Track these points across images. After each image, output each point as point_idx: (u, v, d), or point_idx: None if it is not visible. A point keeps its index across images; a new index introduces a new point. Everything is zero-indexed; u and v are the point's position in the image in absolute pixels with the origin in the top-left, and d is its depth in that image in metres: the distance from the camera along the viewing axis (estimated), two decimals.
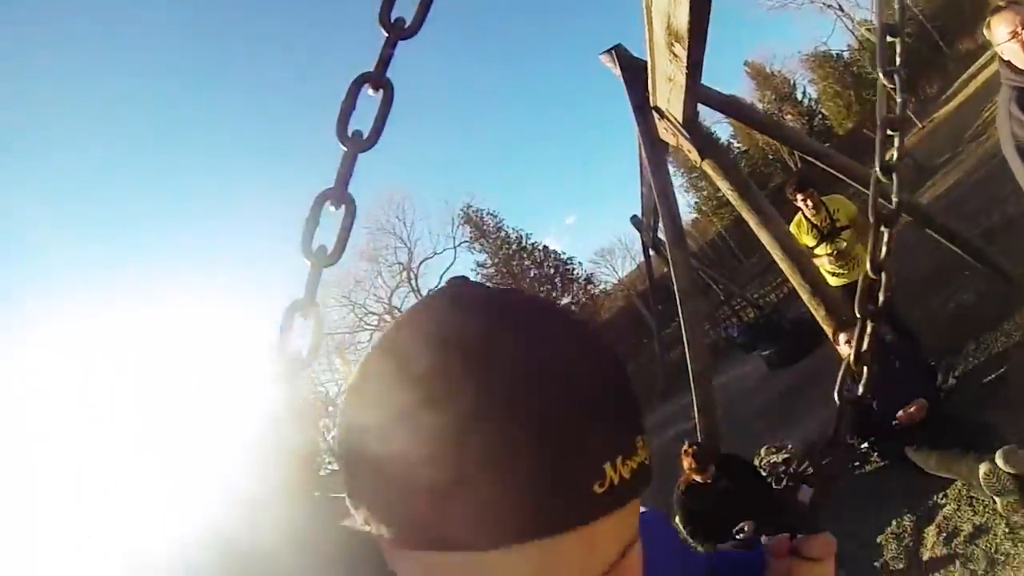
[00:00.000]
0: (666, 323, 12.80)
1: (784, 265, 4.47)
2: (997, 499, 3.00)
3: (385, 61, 0.92)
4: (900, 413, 3.60)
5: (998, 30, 2.50)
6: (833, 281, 4.71)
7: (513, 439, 0.36)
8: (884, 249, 1.30)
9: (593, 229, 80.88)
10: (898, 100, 1.41)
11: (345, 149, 0.89)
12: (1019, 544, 2.81)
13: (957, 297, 5.04)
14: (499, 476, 0.36)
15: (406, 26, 0.94)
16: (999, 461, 2.93)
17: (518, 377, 0.37)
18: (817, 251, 4.69)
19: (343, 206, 0.88)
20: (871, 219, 1.32)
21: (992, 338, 4.30)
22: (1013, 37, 2.45)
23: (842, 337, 3.94)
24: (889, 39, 1.45)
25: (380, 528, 0.40)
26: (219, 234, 60.52)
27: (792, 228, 4.75)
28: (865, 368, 3.43)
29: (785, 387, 6.32)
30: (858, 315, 1.32)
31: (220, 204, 58.43)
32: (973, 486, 3.10)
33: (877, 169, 1.37)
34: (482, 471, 0.36)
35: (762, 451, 5.18)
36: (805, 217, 4.72)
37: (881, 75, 1.44)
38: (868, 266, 1.33)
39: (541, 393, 0.37)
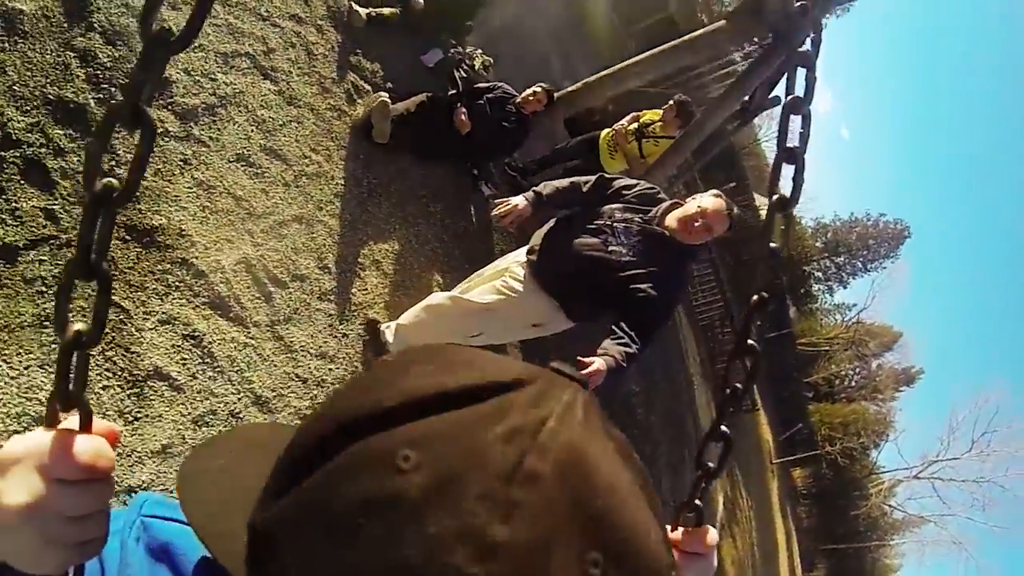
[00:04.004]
0: None
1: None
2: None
3: None
4: None
5: (697, 199, 2.73)
6: (603, 137, 5.13)
7: None
8: None
9: None
10: None
11: None
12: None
13: None
14: None
15: None
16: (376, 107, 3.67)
17: None
18: (629, 126, 5.03)
19: None
20: None
21: None
22: (692, 219, 2.66)
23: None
24: None
25: None
26: None
27: (650, 111, 5.11)
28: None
29: None
30: None
31: None
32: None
33: None
34: None
35: (472, 47, 5.30)
36: (655, 121, 4.98)
37: None
38: None
39: None
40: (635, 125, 4.97)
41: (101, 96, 2.42)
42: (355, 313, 3.17)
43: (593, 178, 2.93)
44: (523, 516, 0.27)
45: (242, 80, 3.10)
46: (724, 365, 0.80)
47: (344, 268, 3.21)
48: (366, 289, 3.31)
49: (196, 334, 2.39)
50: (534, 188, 2.94)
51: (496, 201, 3.00)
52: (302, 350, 2.80)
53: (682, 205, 2.75)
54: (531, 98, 4.38)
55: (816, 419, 28.46)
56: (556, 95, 4.61)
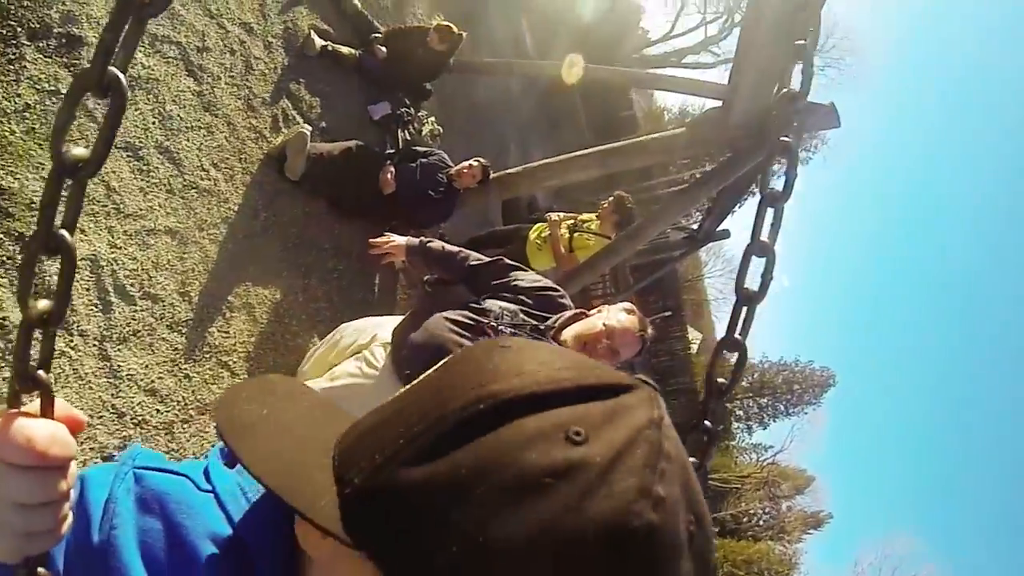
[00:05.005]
0: None
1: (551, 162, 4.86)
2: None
3: None
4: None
5: (605, 313, 2.18)
6: (535, 228, 4.95)
7: None
8: None
9: None
10: None
11: None
12: None
13: None
14: None
15: None
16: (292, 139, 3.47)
17: None
18: (565, 221, 4.84)
19: None
20: None
21: None
22: (596, 339, 2.11)
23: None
24: None
25: None
26: None
27: (590, 215, 4.95)
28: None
29: None
30: None
31: None
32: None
33: None
34: None
35: (424, 112, 5.28)
36: (597, 216, 4.86)
37: None
38: None
39: None
40: (571, 221, 4.85)
41: (4, 32, 2.23)
42: (207, 355, 2.77)
43: (488, 258, 2.45)
44: (669, 480, 0.38)
45: (162, 68, 2.90)
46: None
47: (209, 302, 2.85)
48: (228, 333, 2.93)
49: (5, 323, 2.04)
50: (422, 238, 2.57)
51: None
52: (129, 379, 2.41)
53: (586, 317, 2.23)
54: (465, 171, 4.20)
55: (720, 555, 27.81)
56: (493, 174, 4.43)
